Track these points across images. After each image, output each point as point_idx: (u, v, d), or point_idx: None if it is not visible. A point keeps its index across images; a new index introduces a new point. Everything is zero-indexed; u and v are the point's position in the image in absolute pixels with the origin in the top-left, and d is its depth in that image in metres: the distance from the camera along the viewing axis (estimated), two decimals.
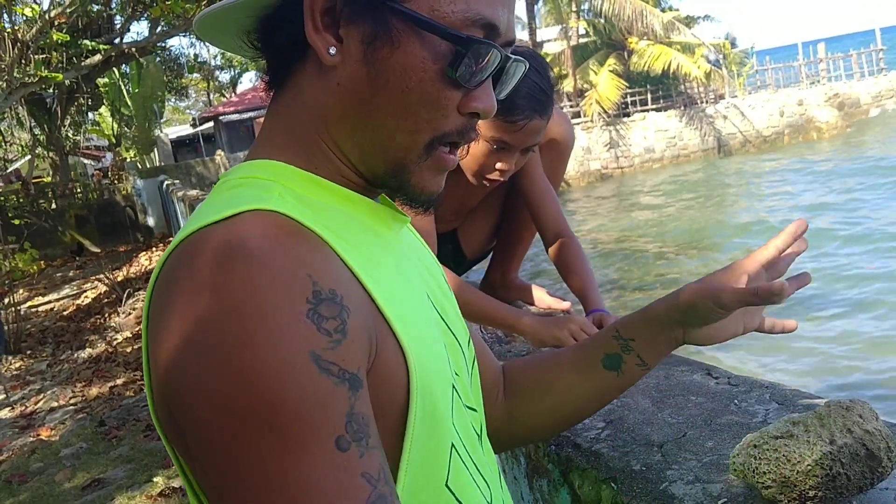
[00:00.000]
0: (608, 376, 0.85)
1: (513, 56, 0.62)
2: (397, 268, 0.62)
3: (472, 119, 0.62)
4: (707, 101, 20.75)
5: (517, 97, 1.44)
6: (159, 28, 10.22)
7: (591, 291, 1.59)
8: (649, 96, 20.30)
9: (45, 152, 14.72)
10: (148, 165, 17.59)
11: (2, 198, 12.73)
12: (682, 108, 20.34)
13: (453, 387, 0.62)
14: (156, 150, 20.41)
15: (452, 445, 0.60)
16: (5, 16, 8.08)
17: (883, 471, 0.68)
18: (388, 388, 0.54)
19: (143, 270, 9.86)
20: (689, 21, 21.52)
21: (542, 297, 1.93)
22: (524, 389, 0.87)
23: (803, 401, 0.97)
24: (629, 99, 20.11)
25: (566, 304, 1.87)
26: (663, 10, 21.01)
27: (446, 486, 0.59)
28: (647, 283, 8.79)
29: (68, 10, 8.49)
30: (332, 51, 0.58)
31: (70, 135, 15.82)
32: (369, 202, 0.64)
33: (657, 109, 20.34)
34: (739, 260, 0.80)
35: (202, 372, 0.47)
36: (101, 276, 9.04)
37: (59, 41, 8.07)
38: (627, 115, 20.08)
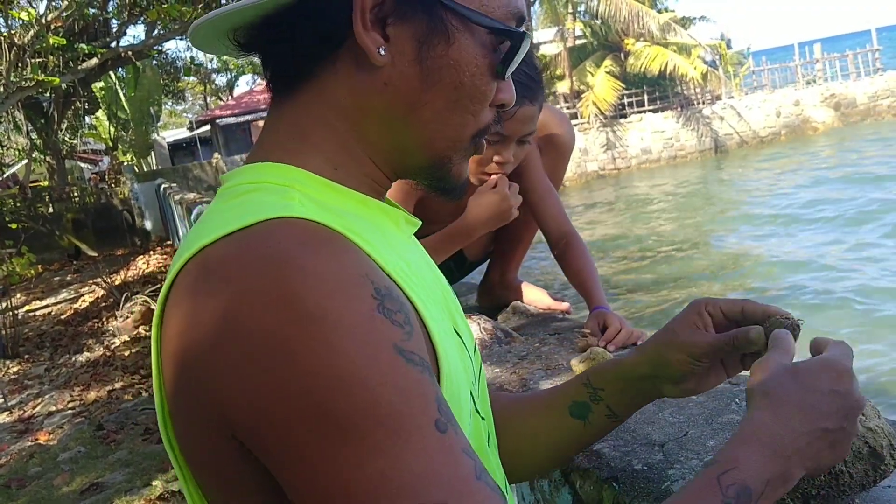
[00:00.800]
0: (575, 425, 0.79)
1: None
2: (414, 272, 0.60)
3: (497, 111, 0.63)
4: (704, 102, 20.79)
5: None
6: (156, 32, 10.21)
7: (594, 289, 1.59)
8: (646, 97, 20.33)
9: (42, 156, 14.69)
10: (145, 169, 17.58)
11: None
12: (679, 109, 20.37)
13: (471, 392, 0.62)
14: (153, 153, 20.40)
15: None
16: (1, 20, 8.08)
17: (886, 468, 0.68)
18: None
19: (140, 274, 9.85)
20: (685, 22, 21.56)
21: (542, 298, 1.94)
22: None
23: None
24: (626, 100, 20.14)
25: (565, 305, 1.88)
26: (659, 12, 21.04)
27: None
28: (647, 283, 8.80)
29: (65, 14, 8.47)
30: (383, 51, 0.56)
31: (67, 139, 15.81)
32: (383, 206, 0.63)
33: (654, 110, 20.37)
34: (700, 300, 0.75)
35: (293, 387, 0.45)
36: (99, 279, 9.02)
37: (56, 45, 8.06)
38: (624, 116, 20.11)
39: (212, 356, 0.47)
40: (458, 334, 0.65)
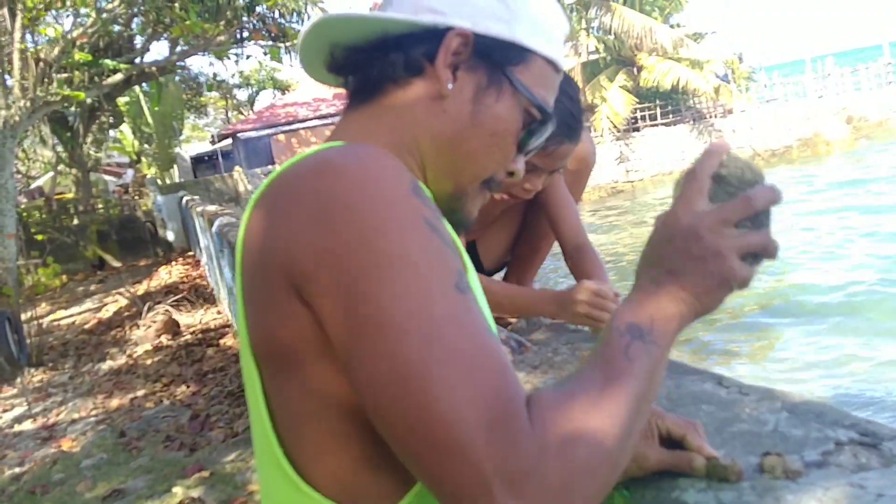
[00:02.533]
0: None
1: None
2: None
3: (507, 176, 0.78)
4: (716, 116, 20.71)
5: None
6: (179, 48, 10.41)
7: None
8: (658, 111, 20.29)
9: (68, 169, 14.97)
10: (168, 181, 17.84)
11: (25, 214, 12.95)
12: (692, 122, 20.31)
13: None
14: (175, 166, 20.70)
15: None
16: (28, 36, 8.28)
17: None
18: None
19: (162, 284, 9.96)
20: (697, 37, 21.52)
21: None
22: None
23: (814, 409, 0.98)
24: (639, 114, 20.11)
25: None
26: (672, 27, 21.03)
27: None
28: None
29: (90, 31, 8.67)
30: (450, 85, 0.71)
31: (91, 152, 16.11)
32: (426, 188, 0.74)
33: (667, 124, 20.32)
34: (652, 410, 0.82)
35: (343, 233, 0.56)
36: (122, 289, 9.16)
37: (82, 61, 8.24)
38: (637, 129, 20.07)
39: (283, 220, 0.59)
40: None
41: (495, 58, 0.71)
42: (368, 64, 0.73)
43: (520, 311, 1.66)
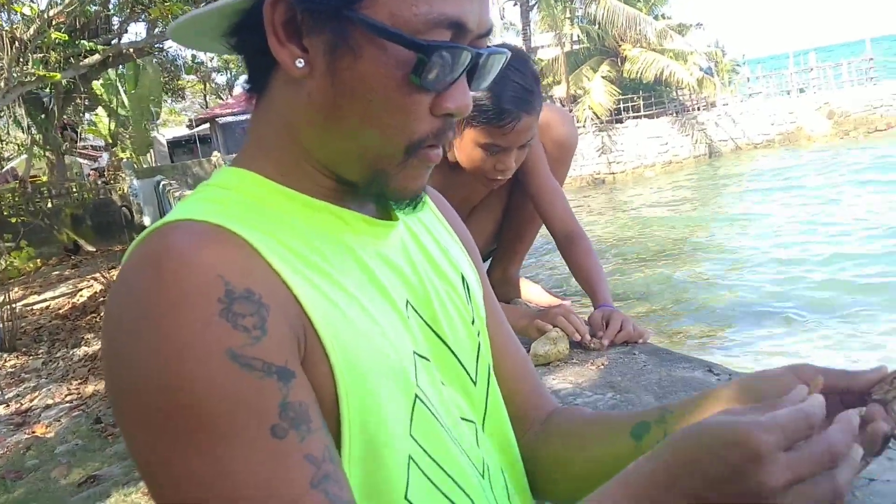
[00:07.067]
0: (627, 445, 0.68)
1: (486, 50, 0.59)
2: (357, 273, 0.60)
3: (447, 119, 0.59)
4: (699, 109, 20.92)
5: (502, 101, 1.46)
6: (157, 30, 10.23)
7: (598, 287, 1.60)
8: (641, 103, 20.44)
9: (42, 151, 14.68)
10: (144, 166, 17.57)
11: None
12: (674, 114, 20.49)
13: (417, 397, 0.59)
14: (152, 150, 20.39)
15: (410, 458, 0.57)
16: (3, 14, 8.09)
17: None
18: (316, 392, 0.53)
19: None
20: (682, 29, 21.69)
21: (540, 294, 1.97)
22: (554, 438, 0.76)
23: None
24: (622, 105, 20.26)
25: (566, 302, 1.91)
26: (656, 18, 21.18)
27: (406, 499, 0.56)
28: (646, 283, 8.84)
29: (66, 10, 8.49)
30: (300, 63, 0.56)
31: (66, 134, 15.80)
32: (334, 208, 0.62)
33: (649, 116, 20.48)
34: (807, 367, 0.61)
35: (126, 382, 0.49)
36: (97, 274, 9.03)
37: (58, 41, 8.07)
38: (620, 121, 20.22)
39: (105, 330, 0.53)
40: (439, 338, 0.66)
41: (330, 5, 0.54)
42: (239, 54, 0.62)
43: None
